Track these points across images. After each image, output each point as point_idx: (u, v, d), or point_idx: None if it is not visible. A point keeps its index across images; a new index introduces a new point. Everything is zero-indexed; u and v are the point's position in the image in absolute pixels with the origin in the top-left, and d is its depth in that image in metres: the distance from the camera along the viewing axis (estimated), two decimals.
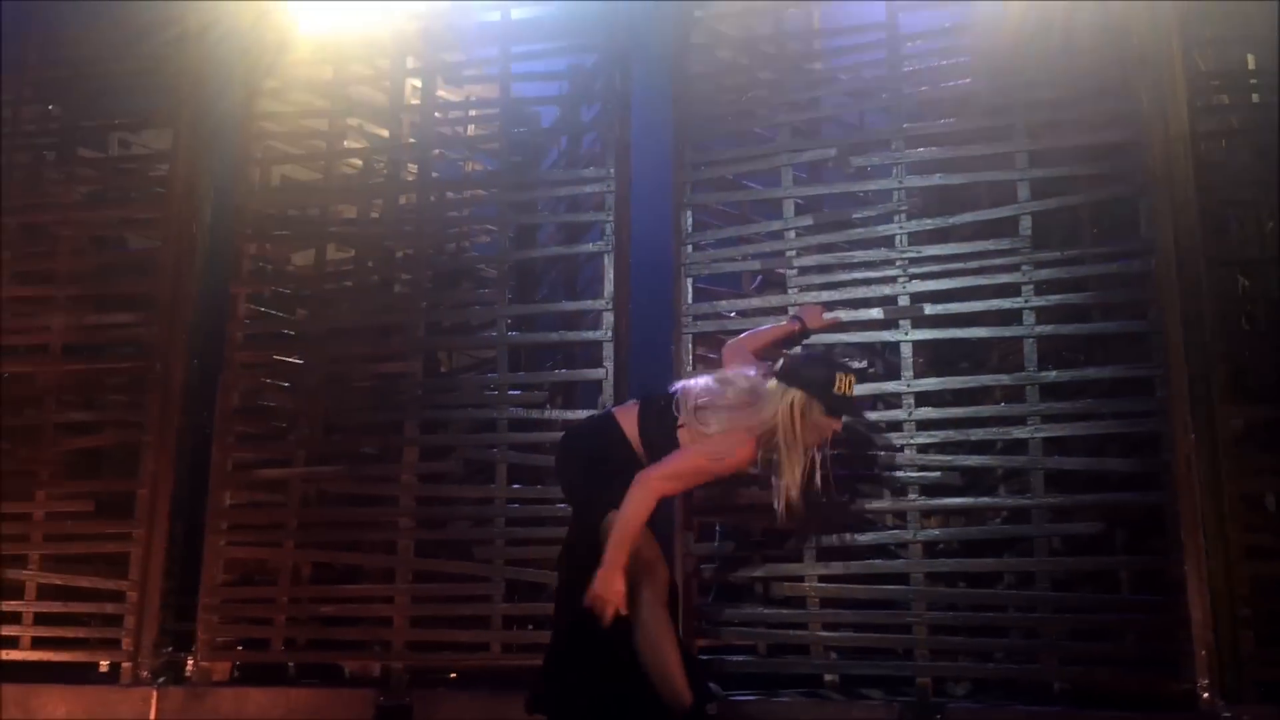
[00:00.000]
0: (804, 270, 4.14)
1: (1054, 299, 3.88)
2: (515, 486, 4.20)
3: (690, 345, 4.19)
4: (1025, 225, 3.93)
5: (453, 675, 4.32)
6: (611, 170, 4.32)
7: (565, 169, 4.64)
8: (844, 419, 3.38)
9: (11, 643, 4.30)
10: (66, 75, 4.92)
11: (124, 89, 4.97)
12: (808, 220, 4.19)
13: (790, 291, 4.13)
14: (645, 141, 4.45)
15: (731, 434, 3.20)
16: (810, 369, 3.27)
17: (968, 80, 4.16)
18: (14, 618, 4.31)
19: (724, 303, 4.24)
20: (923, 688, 3.70)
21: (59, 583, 4.33)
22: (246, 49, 4.74)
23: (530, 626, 4.24)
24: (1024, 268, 3.89)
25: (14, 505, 4.42)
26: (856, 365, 4.09)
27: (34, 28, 4.93)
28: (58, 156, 4.91)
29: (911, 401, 3.92)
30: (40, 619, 4.32)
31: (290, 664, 4.31)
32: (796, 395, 3.19)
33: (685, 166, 4.34)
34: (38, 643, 4.30)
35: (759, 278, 4.45)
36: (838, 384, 3.21)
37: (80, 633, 4.33)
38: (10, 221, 4.72)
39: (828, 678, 3.86)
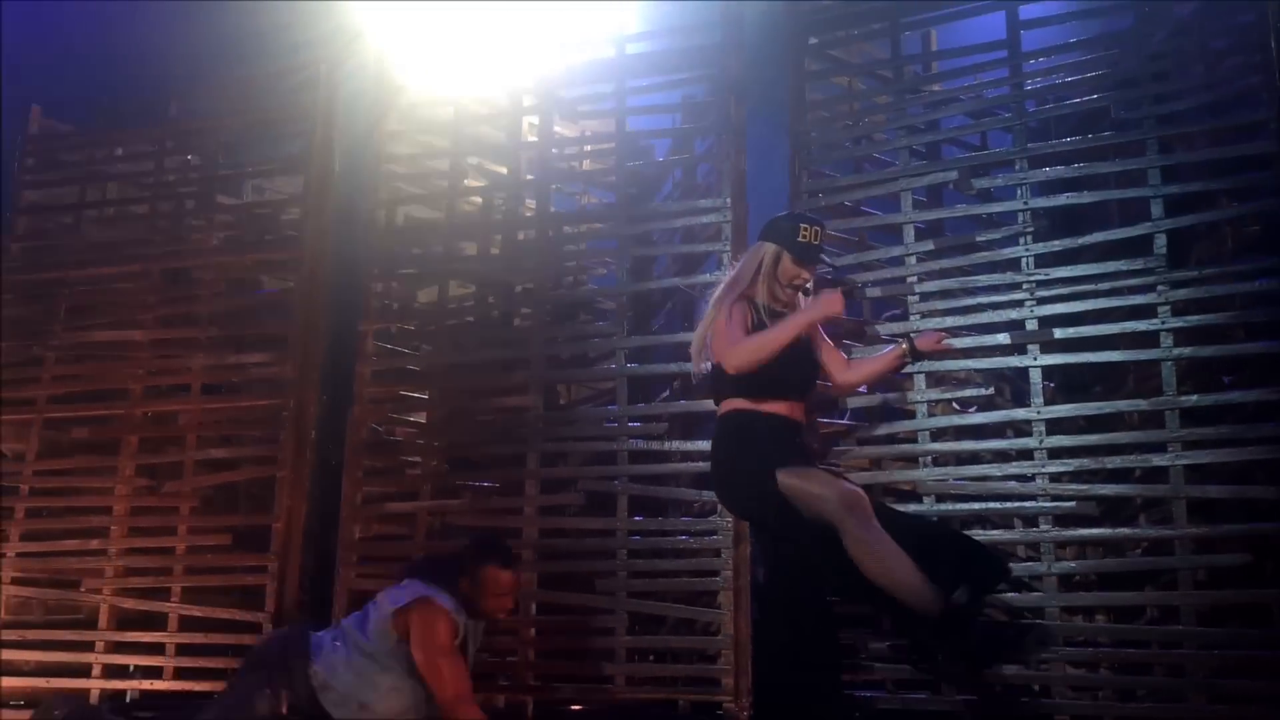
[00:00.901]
0: (925, 296, 4.06)
1: (1193, 320, 3.71)
2: (636, 519, 4.20)
3: None
4: (1160, 244, 3.77)
5: (577, 708, 4.31)
6: (728, 200, 4.30)
7: (680, 200, 4.65)
8: (811, 265, 3.47)
9: (155, 673, 4.46)
10: (205, 126, 5.14)
11: (257, 138, 5.19)
12: (929, 244, 4.10)
13: (912, 318, 4.04)
14: (761, 171, 4.42)
15: (723, 301, 3.40)
16: (776, 223, 3.48)
17: (1095, 95, 4.03)
18: (158, 649, 4.47)
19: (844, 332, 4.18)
20: None
21: (199, 614, 4.48)
22: (370, 93, 4.89)
23: (652, 658, 4.22)
24: (1159, 288, 3.73)
25: (157, 540, 4.60)
26: (985, 392, 3.97)
27: (174, 83, 5.18)
28: (197, 204, 5.14)
29: (1043, 429, 3.79)
30: (182, 650, 4.46)
31: None
32: (767, 248, 3.43)
33: (802, 195, 4.31)
34: (180, 673, 4.45)
35: (894, 310, 4.35)
36: (802, 234, 3.40)
37: (220, 663, 4.47)
38: (155, 267, 4.94)
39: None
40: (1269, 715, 3.38)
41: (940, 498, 3.88)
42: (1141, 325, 3.74)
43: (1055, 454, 3.76)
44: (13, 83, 5.41)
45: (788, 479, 3.20)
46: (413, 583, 3.49)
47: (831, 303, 3.30)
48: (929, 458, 3.94)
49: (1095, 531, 3.72)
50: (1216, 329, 3.74)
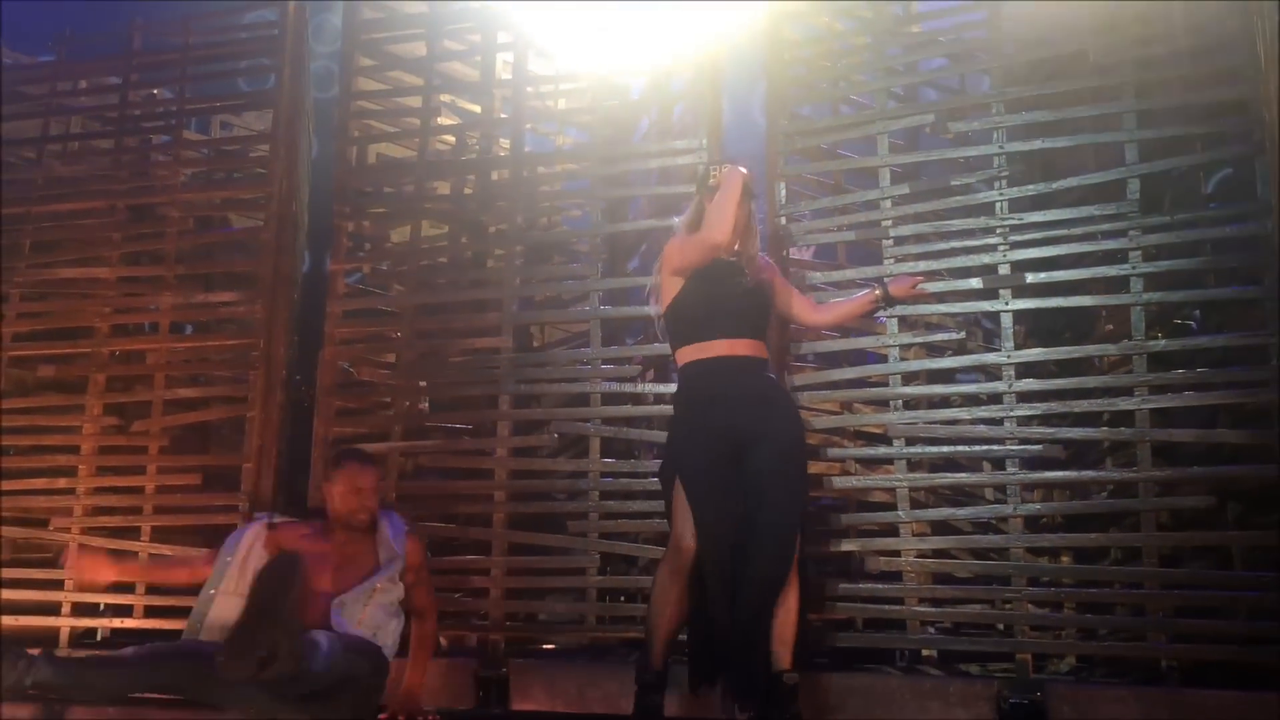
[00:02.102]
0: (900, 240, 4.05)
1: (1163, 265, 3.71)
2: (608, 461, 4.21)
3: None
4: (1133, 189, 3.76)
5: (549, 646, 4.35)
6: (704, 141, 4.26)
7: (657, 141, 4.61)
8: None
9: (125, 611, 4.45)
10: (171, 60, 5.03)
11: (225, 72, 5.09)
12: (904, 189, 4.09)
13: (886, 262, 4.04)
14: (738, 111, 4.39)
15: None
16: (696, 174, 3.63)
17: (1073, 39, 4.01)
18: (127, 588, 4.46)
19: (819, 275, 4.18)
20: (1023, 664, 3.59)
21: (169, 553, 4.46)
22: (340, 27, 4.80)
23: (623, 599, 4.26)
24: (1131, 233, 3.73)
25: (126, 479, 4.57)
26: (956, 336, 3.99)
27: (138, 13, 5.06)
28: (163, 140, 5.04)
29: (1012, 373, 3.80)
30: (152, 589, 4.45)
31: None
32: (695, 200, 3.58)
33: (779, 136, 4.27)
34: (150, 611, 4.45)
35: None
36: (712, 177, 3.47)
37: (189, 602, 4.46)
38: (120, 204, 4.86)
39: (925, 653, 3.80)
40: (1226, 654, 3.44)
41: (910, 441, 3.91)
42: (1112, 270, 3.75)
43: (1024, 398, 3.77)
44: None
45: (677, 489, 3.28)
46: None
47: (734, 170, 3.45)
48: (899, 401, 3.95)
49: (1061, 474, 3.76)
50: (1187, 274, 3.75)
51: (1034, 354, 3.85)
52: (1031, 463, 3.77)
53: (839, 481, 3.97)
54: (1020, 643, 3.63)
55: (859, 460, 4.06)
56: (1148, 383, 3.64)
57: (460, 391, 4.48)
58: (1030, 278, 3.83)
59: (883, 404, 4.00)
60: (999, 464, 3.82)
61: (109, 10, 5.24)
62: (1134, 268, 3.72)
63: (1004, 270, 3.87)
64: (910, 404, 4.00)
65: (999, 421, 3.80)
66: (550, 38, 4.78)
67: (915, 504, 3.91)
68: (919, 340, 4.10)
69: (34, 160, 5.06)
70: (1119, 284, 3.79)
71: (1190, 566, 3.67)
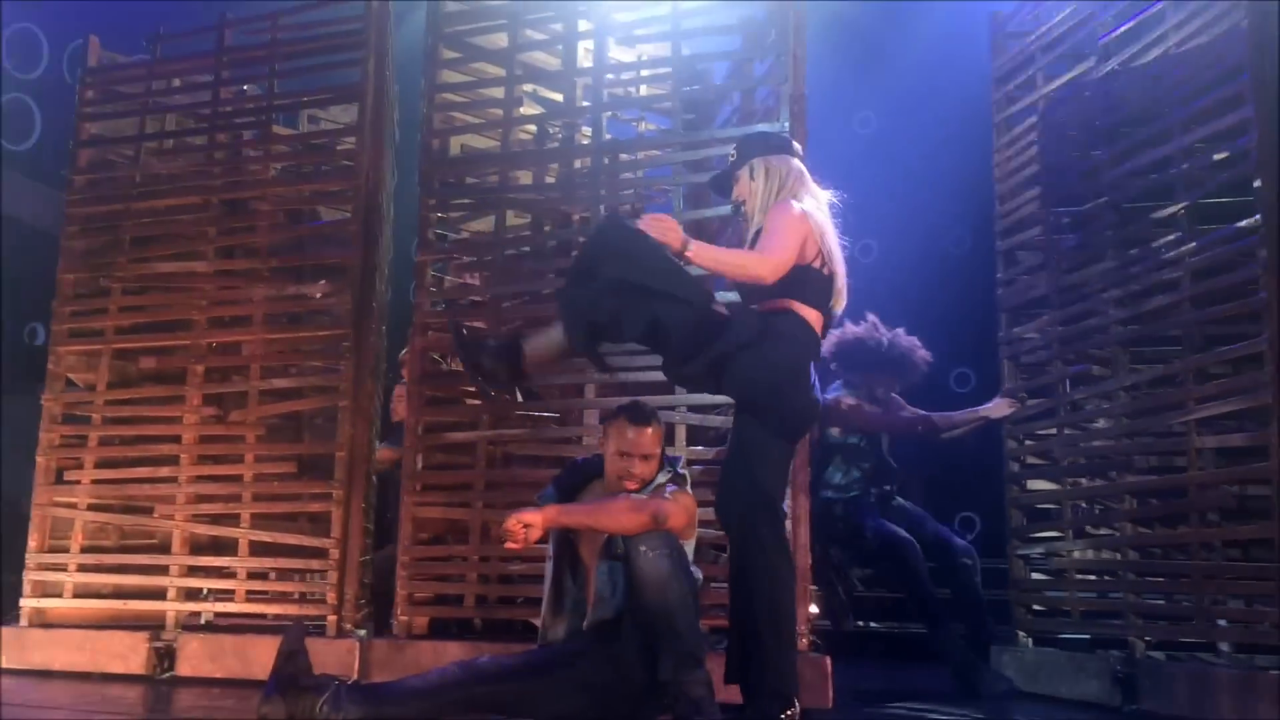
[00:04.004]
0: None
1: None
2: (695, 448, 4.21)
3: None
4: None
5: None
6: (786, 124, 4.22)
7: (739, 125, 4.58)
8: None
9: (227, 596, 4.59)
10: (260, 56, 5.13)
11: (312, 67, 5.17)
12: None
13: None
14: (820, 93, 4.34)
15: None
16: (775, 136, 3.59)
17: None
18: (230, 573, 4.59)
19: None
20: None
21: (268, 540, 4.59)
22: (424, 21, 4.84)
23: (710, 585, 4.26)
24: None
25: (225, 468, 4.70)
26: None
27: (229, 12, 5.16)
28: (253, 135, 5.15)
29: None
30: (252, 574, 4.58)
31: (477, 619, 4.48)
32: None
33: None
34: (251, 596, 4.58)
35: None
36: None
37: (288, 587, 4.59)
38: (214, 199, 4.98)
39: None
40: None
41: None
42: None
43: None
44: (71, 14, 5.42)
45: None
46: None
47: None
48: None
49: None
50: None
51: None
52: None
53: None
54: None
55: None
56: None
57: (546, 380, 4.52)
58: None
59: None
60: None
61: (200, 9, 5.34)
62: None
63: None
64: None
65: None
66: (630, 25, 4.77)
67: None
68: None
69: (132, 158, 5.20)
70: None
71: None
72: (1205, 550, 3.90)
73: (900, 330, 5.03)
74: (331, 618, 4.39)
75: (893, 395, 5.08)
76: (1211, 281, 3.88)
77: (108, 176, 5.20)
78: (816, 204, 3.36)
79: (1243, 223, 3.75)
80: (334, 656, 4.24)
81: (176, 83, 5.32)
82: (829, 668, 3.83)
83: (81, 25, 5.47)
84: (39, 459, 4.85)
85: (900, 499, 5.07)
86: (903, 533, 4.74)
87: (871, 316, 5.04)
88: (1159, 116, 4.17)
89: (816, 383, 3.34)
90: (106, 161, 5.29)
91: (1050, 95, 4.78)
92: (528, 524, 3.08)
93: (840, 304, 3.38)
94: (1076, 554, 4.52)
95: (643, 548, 3.03)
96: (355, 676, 4.13)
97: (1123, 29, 4.41)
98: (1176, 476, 4.07)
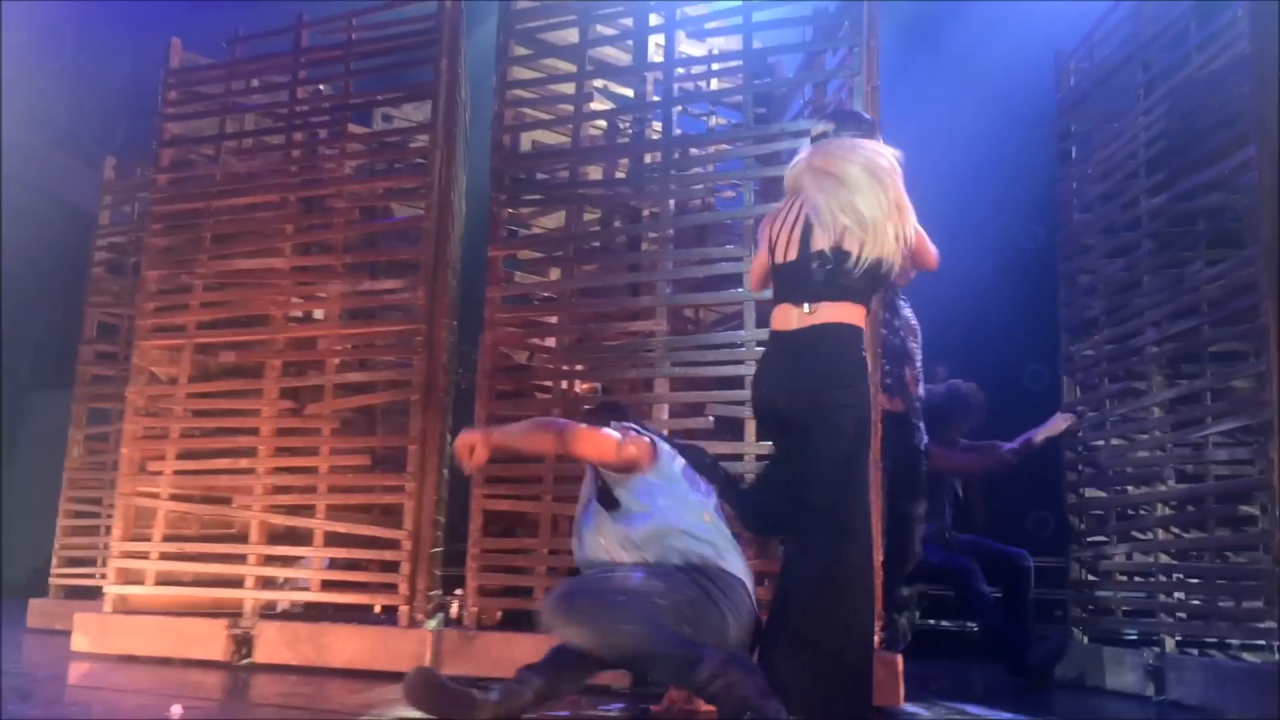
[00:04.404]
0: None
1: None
2: (765, 443, 4.18)
3: None
4: None
5: None
6: None
7: (810, 119, 4.54)
8: None
9: (302, 585, 4.67)
10: (335, 56, 5.21)
11: (386, 66, 5.24)
12: None
13: None
14: (894, 84, 4.29)
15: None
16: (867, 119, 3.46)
17: None
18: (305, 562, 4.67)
19: None
20: None
21: (342, 531, 4.66)
22: (495, 18, 4.88)
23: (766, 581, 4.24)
24: None
25: (301, 460, 4.79)
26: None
27: (306, 13, 5.25)
28: (329, 133, 5.24)
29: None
30: (328, 564, 4.66)
31: None
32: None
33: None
34: (325, 585, 4.66)
35: None
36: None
37: (363, 577, 4.66)
38: (291, 196, 5.07)
39: None
40: None
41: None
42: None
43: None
44: (154, 15, 5.56)
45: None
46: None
47: None
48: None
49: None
50: None
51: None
52: None
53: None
54: None
55: None
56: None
57: (616, 375, 4.53)
58: None
59: None
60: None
61: (277, 10, 5.45)
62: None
63: None
64: None
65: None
66: (701, 18, 4.76)
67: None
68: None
69: (212, 157, 5.32)
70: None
71: None
72: (1217, 555, 4.28)
73: (958, 380, 5.39)
74: (404, 608, 4.44)
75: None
76: (1226, 306, 4.12)
77: (190, 175, 5.33)
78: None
79: (1247, 251, 3.96)
80: (406, 646, 4.29)
81: (255, 83, 5.43)
82: (900, 666, 3.78)
83: (164, 28, 5.59)
84: (123, 450, 4.98)
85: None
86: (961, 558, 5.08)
87: (940, 370, 5.37)
88: (1189, 149, 4.39)
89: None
90: (188, 161, 5.42)
91: (1102, 127, 5.07)
92: (471, 445, 3.13)
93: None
94: (1120, 557, 4.75)
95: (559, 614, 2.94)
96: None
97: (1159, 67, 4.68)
98: (1196, 486, 4.38)
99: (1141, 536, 4.68)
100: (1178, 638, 4.41)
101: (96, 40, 7.07)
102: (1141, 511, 4.68)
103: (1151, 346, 4.56)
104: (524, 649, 3.89)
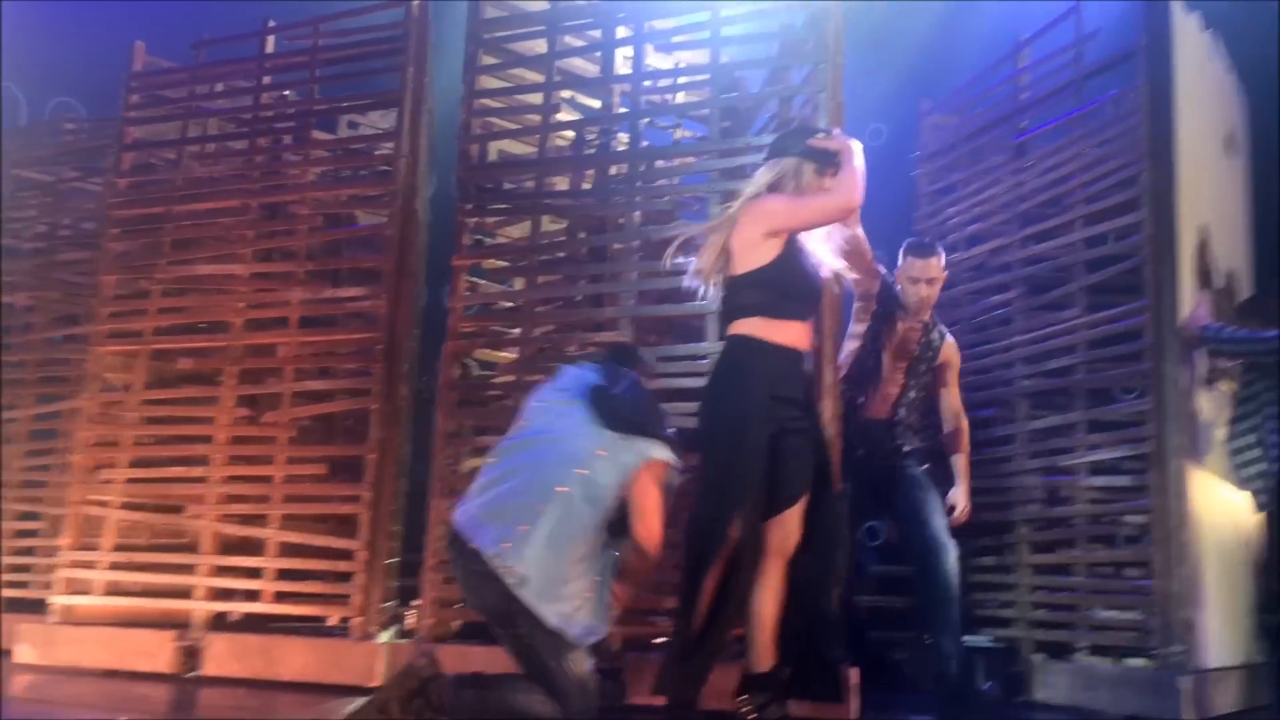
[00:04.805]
0: None
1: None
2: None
3: None
4: None
5: (659, 640, 4.31)
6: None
7: (775, 133, 4.53)
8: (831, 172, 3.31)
9: (254, 596, 4.59)
10: (301, 62, 5.16)
11: (352, 72, 5.19)
12: None
13: None
14: (857, 100, 4.30)
15: (748, 207, 3.33)
16: (790, 137, 3.43)
17: None
18: (257, 573, 4.59)
19: None
20: None
21: (296, 541, 4.58)
22: (463, 27, 4.85)
23: None
24: None
25: (256, 469, 4.71)
26: None
27: (272, 17, 5.22)
28: (293, 139, 5.19)
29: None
30: (280, 575, 4.57)
31: None
32: (786, 163, 3.32)
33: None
34: (278, 597, 4.57)
35: None
36: (818, 140, 3.33)
37: (315, 588, 4.57)
38: (253, 202, 5.01)
39: None
40: None
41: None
42: None
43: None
44: (117, 19, 5.50)
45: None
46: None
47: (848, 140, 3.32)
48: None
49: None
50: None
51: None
52: None
53: None
54: None
55: None
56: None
57: None
58: None
59: None
60: None
61: (243, 13, 5.41)
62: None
63: None
64: None
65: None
66: (669, 32, 4.75)
67: None
68: None
69: (174, 161, 5.26)
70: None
71: None
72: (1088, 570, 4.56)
73: None
74: (356, 620, 4.36)
75: None
76: (1109, 348, 4.57)
77: (150, 180, 5.26)
78: None
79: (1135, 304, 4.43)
80: (358, 660, 4.22)
81: (219, 87, 5.38)
82: (853, 678, 3.73)
83: (129, 31, 5.53)
84: (75, 457, 4.89)
85: None
86: None
87: None
88: (1065, 208, 4.85)
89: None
90: (149, 165, 5.36)
91: (969, 179, 5.46)
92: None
93: None
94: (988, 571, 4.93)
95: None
96: (378, 681, 4.10)
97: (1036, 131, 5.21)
98: (1068, 508, 4.65)
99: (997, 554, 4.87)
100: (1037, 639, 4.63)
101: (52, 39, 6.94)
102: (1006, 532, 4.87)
103: (1023, 380, 4.88)
104: (477, 661, 3.82)
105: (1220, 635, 4.27)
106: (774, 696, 3.27)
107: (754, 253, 3.26)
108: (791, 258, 3.28)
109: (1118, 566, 4.53)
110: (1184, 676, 3.98)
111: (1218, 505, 4.40)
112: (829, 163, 3.30)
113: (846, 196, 3.22)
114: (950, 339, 4.52)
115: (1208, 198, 4.67)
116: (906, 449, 4.37)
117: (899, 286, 4.38)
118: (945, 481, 4.40)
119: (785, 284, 3.26)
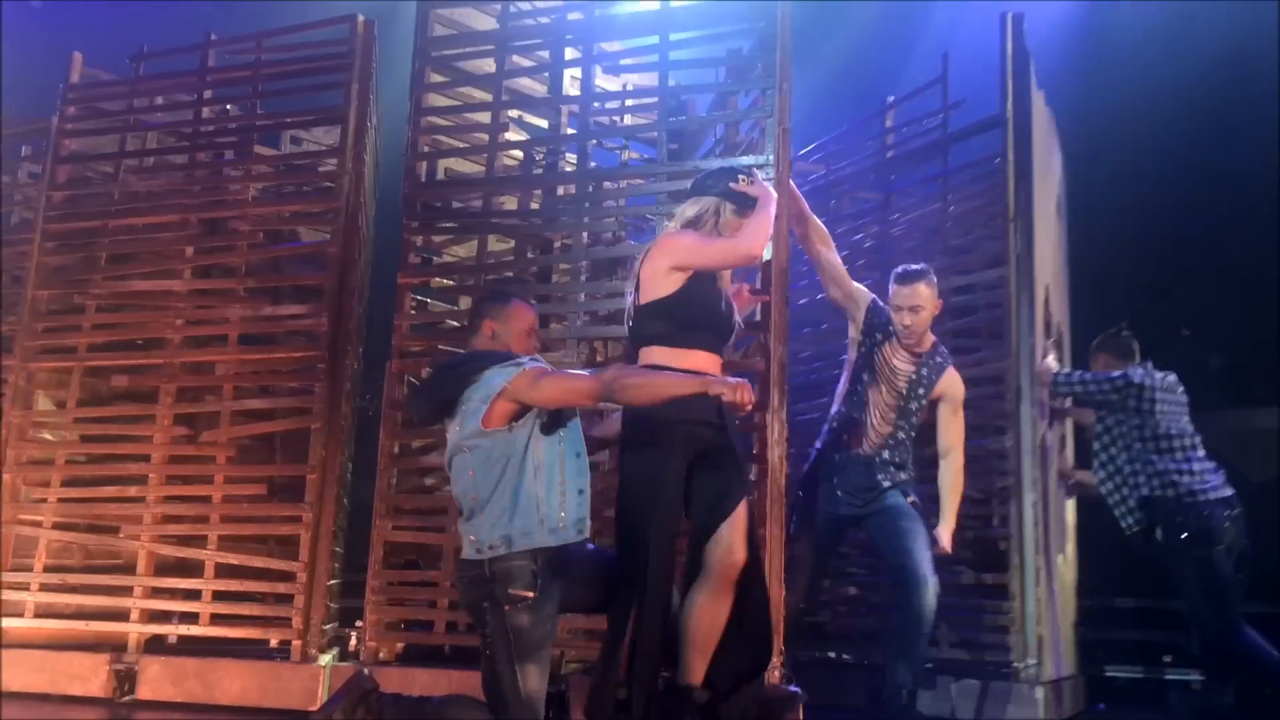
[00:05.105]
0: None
1: None
2: None
3: None
4: None
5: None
6: (770, 157, 4.23)
7: (722, 156, 4.58)
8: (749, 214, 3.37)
9: (191, 618, 4.50)
10: (244, 76, 5.11)
11: (296, 88, 5.15)
12: None
13: None
14: (804, 126, 4.36)
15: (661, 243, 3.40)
16: (712, 176, 3.45)
17: None
18: (194, 595, 4.50)
19: None
20: None
21: (235, 562, 4.50)
22: (410, 44, 4.84)
23: None
24: None
25: (194, 488, 4.63)
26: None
27: (215, 29, 5.15)
28: (235, 154, 5.12)
29: None
30: (218, 596, 4.50)
31: (446, 647, 4.39)
32: (706, 201, 3.38)
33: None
34: (216, 619, 4.49)
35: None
36: (740, 182, 3.38)
37: (255, 610, 4.50)
38: (193, 218, 4.93)
39: None
40: None
41: None
42: None
43: None
44: (55, 30, 5.39)
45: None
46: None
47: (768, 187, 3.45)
48: None
49: None
50: None
51: None
52: None
53: None
54: None
55: None
56: None
57: None
58: None
59: None
60: None
61: (185, 26, 5.33)
62: None
63: None
64: None
65: None
66: (617, 54, 4.79)
67: None
68: None
69: (111, 175, 5.16)
70: None
71: None
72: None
73: None
74: (296, 643, 4.30)
75: None
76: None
77: (86, 193, 5.16)
78: None
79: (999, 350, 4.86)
80: (297, 683, 4.16)
81: (159, 100, 5.30)
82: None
83: (66, 42, 5.43)
84: (4, 475, 4.76)
85: None
86: None
87: None
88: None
89: None
90: (85, 178, 5.25)
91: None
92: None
93: None
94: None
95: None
96: (318, 705, 4.04)
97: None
98: None
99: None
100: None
101: None
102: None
103: None
104: (421, 684, 3.79)
105: (1058, 649, 4.81)
106: (688, 714, 3.26)
107: (658, 283, 3.31)
108: (696, 292, 3.31)
109: (984, 588, 4.83)
110: (1038, 687, 4.46)
111: (1064, 532, 5.09)
112: (747, 206, 3.37)
113: (749, 245, 3.32)
114: (951, 370, 4.37)
115: (1049, 259, 5.21)
116: (887, 485, 4.30)
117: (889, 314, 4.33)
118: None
119: (686, 316, 3.30)
